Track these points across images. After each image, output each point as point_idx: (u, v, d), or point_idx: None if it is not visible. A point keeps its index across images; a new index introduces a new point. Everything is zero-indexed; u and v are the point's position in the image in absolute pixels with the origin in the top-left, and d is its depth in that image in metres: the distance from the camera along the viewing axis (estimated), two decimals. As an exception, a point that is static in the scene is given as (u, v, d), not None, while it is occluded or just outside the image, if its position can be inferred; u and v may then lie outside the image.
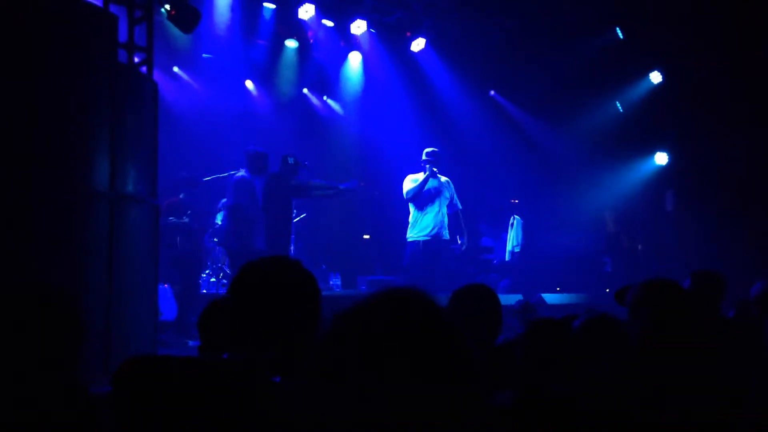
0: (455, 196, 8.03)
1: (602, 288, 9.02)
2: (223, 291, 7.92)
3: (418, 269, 7.71)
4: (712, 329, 2.15)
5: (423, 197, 7.75)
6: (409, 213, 7.91)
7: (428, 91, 10.81)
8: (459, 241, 8.22)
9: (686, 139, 9.90)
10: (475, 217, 10.16)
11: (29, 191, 4.11)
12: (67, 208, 4.32)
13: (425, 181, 7.69)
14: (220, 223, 8.71)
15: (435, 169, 7.70)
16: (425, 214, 7.76)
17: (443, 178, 7.90)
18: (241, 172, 7.53)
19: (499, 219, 10.18)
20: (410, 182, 7.79)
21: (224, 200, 8.67)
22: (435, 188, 7.78)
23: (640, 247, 10.41)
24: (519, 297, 7.85)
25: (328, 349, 0.96)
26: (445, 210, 7.85)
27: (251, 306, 1.71)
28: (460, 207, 8.06)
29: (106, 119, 4.60)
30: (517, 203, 10.07)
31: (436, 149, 7.89)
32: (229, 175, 7.94)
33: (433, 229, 7.73)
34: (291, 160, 7.56)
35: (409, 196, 7.77)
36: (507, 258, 9.82)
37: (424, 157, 7.83)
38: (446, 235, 7.85)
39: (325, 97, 11.34)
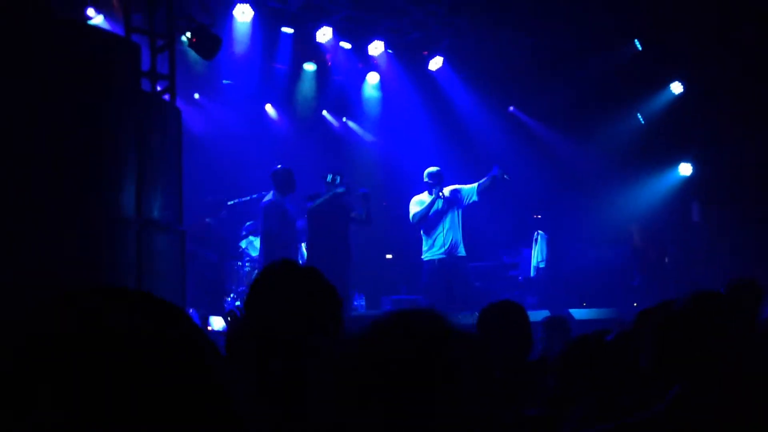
0: (464, 190, 7.80)
1: (630, 302, 8.89)
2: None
3: (437, 288, 7.64)
4: (752, 339, 2.09)
5: (430, 220, 7.69)
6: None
7: (447, 109, 10.81)
8: (495, 170, 7.73)
9: (710, 148, 9.79)
10: (495, 233, 10.10)
11: (59, 218, 4.17)
12: (96, 234, 4.37)
13: (431, 205, 7.60)
14: (245, 247, 8.74)
15: (441, 193, 7.62)
16: (436, 233, 7.70)
17: (447, 191, 7.77)
18: (269, 195, 7.51)
19: (521, 235, 10.11)
20: (416, 205, 7.71)
21: (248, 224, 8.72)
22: (443, 208, 7.70)
23: (667, 259, 10.27)
24: (546, 313, 7.77)
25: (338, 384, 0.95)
26: (458, 225, 7.74)
27: (262, 312, 1.68)
28: (474, 188, 7.78)
29: (131, 146, 4.66)
30: (540, 218, 10.00)
31: (437, 168, 7.79)
32: (257, 197, 7.93)
33: (447, 246, 7.66)
34: (329, 178, 7.46)
35: (415, 220, 7.68)
36: (532, 274, 9.73)
37: (426, 179, 7.73)
38: (462, 251, 7.76)
39: (344, 119, 11.40)
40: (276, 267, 1.74)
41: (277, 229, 7.20)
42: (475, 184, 7.86)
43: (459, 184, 8.00)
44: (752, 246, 8.83)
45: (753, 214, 9.02)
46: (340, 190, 7.41)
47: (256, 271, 8.14)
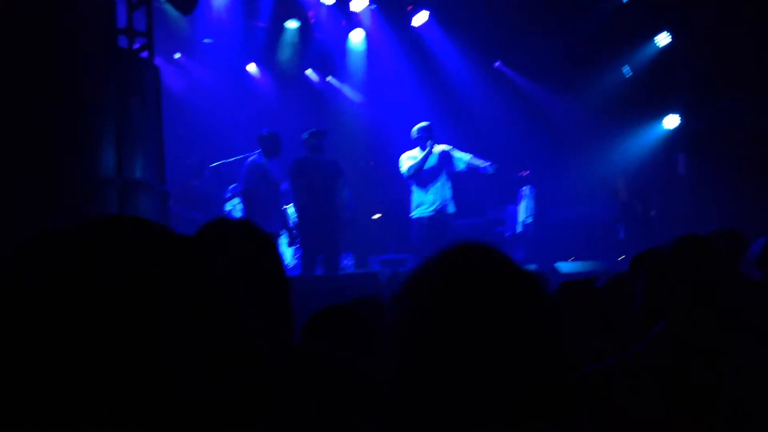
0: (455, 156, 7.76)
1: (616, 255, 8.95)
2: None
3: (427, 246, 7.62)
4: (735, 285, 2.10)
5: (423, 175, 7.63)
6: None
7: (433, 65, 10.69)
8: (487, 163, 7.75)
9: (697, 100, 9.76)
10: (481, 190, 10.08)
11: (38, 180, 4.09)
12: (76, 195, 4.30)
13: (425, 159, 7.53)
14: (229, 209, 8.68)
15: (432, 145, 7.56)
16: (426, 190, 7.65)
17: (439, 149, 7.71)
18: (254, 156, 7.49)
19: (507, 191, 10.10)
20: (408, 160, 7.64)
21: (233, 186, 8.65)
22: (435, 164, 7.65)
23: (653, 212, 10.31)
24: (534, 267, 7.81)
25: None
26: (448, 183, 7.71)
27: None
28: (466, 159, 7.77)
29: (109, 104, 4.57)
30: (527, 174, 9.98)
31: (427, 123, 7.71)
32: (242, 158, 7.88)
33: (437, 204, 7.63)
34: (306, 134, 7.43)
35: (410, 173, 7.61)
36: (519, 229, 9.75)
37: (416, 134, 7.66)
38: (452, 209, 7.73)
39: (328, 77, 11.25)
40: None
41: (255, 188, 7.17)
42: (469, 156, 7.78)
43: (449, 145, 7.93)
44: (738, 198, 8.88)
45: (739, 165, 9.04)
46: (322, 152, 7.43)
47: None
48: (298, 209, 7.45)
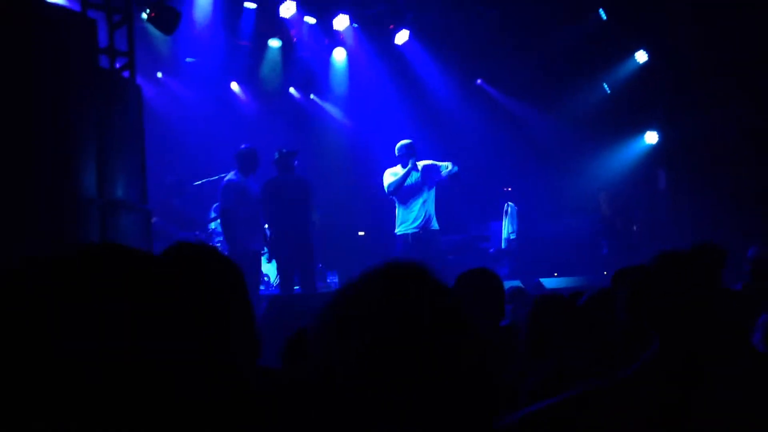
0: (440, 166, 7.80)
1: (600, 270, 9.00)
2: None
3: None
4: (720, 300, 2.12)
5: (405, 191, 7.66)
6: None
7: (415, 83, 10.76)
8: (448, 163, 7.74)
9: (675, 117, 9.90)
10: (465, 206, 10.12)
11: (19, 200, 4.05)
12: (56, 216, 4.25)
13: (406, 175, 7.58)
14: (214, 227, 8.64)
15: (415, 165, 7.61)
16: (409, 207, 7.68)
17: (421, 165, 7.76)
18: (231, 175, 7.43)
19: (491, 207, 10.15)
20: (390, 176, 7.68)
21: (216, 205, 8.61)
22: (417, 181, 7.69)
23: (635, 227, 10.40)
24: (518, 282, 7.83)
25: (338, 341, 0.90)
26: (431, 200, 7.74)
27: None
28: (447, 165, 7.79)
29: (90, 124, 4.53)
30: (510, 191, 10.04)
31: (409, 141, 7.77)
32: (219, 178, 7.86)
33: (420, 220, 7.65)
34: (276, 155, 7.53)
35: (390, 190, 7.66)
36: (503, 246, 9.79)
37: (398, 152, 7.71)
38: (435, 225, 7.76)
39: (311, 95, 11.27)
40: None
41: (233, 208, 7.12)
42: (448, 165, 7.80)
43: (431, 160, 7.97)
44: (718, 212, 8.98)
45: (718, 180, 9.16)
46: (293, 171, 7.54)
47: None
48: (270, 229, 7.50)
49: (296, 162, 7.64)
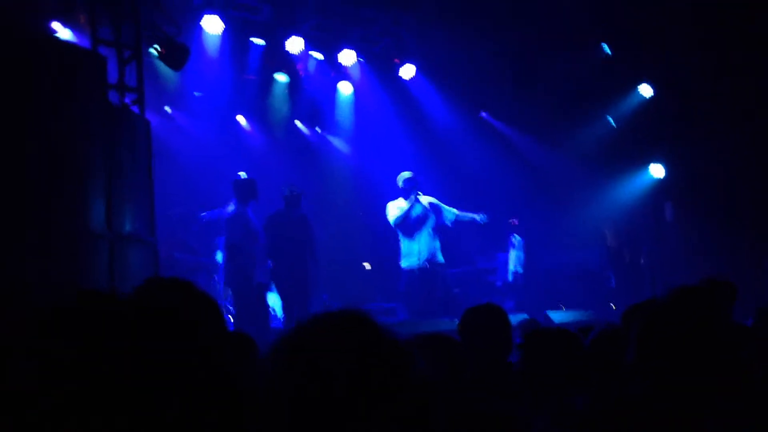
0: (444, 209, 7.88)
1: (607, 303, 8.95)
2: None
3: (417, 296, 7.62)
4: (731, 337, 2.10)
5: (410, 224, 7.68)
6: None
7: (420, 116, 10.83)
8: (479, 216, 7.86)
9: (680, 149, 9.92)
10: (471, 239, 10.11)
11: (28, 235, 4.07)
12: (65, 251, 4.27)
13: (410, 208, 7.62)
14: (220, 260, 8.66)
15: (419, 194, 7.65)
16: (414, 240, 7.69)
17: (426, 201, 7.80)
18: (231, 207, 7.47)
19: (496, 240, 10.14)
20: (395, 209, 7.72)
21: (221, 237, 8.63)
22: (421, 214, 7.71)
23: (642, 260, 10.36)
24: (524, 316, 7.78)
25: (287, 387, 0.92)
26: (436, 233, 7.75)
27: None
28: (455, 213, 7.88)
29: (100, 159, 4.58)
30: (516, 223, 10.04)
31: (411, 173, 7.82)
32: (220, 210, 7.89)
33: (426, 254, 7.65)
34: (288, 191, 7.58)
35: (397, 222, 7.69)
36: (510, 279, 9.76)
37: (401, 184, 7.75)
38: (440, 258, 7.76)
39: (317, 129, 11.36)
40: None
41: (240, 241, 7.15)
42: (456, 212, 7.88)
43: (436, 198, 8.03)
44: (725, 244, 8.94)
45: (725, 211, 9.14)
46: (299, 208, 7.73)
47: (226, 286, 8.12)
48: (272, 262, 7.54)
49: (303, 201, 7.78)
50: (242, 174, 7.67)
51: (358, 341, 0.94)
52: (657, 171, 10.27)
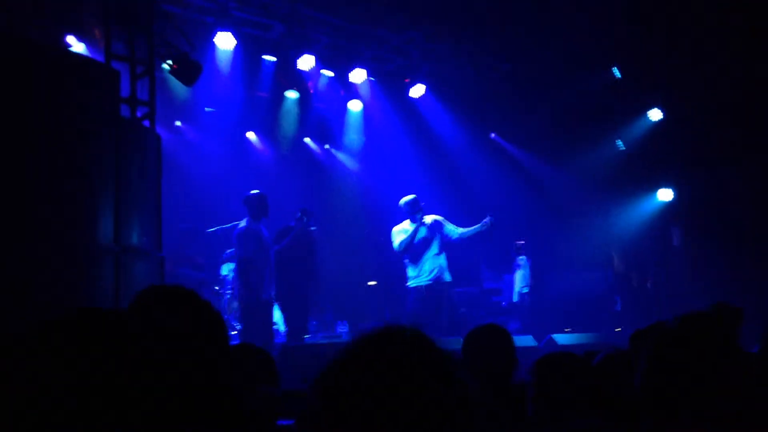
0: (447, 225, 7.85)
1: (613, 327, 8.89)
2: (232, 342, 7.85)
3: (423, 314, 7.58)
4: (737, 363, 2.09)
5: (415, 248, 7.65)
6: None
7: (429, 136, 10.87)
8: (484, 223, 7.74)
9: (689, 174, 9.91)
10: (478, 259, 10.09)
11: (36, 246, 4.09)
12: (73, 262, 4.29)
13: (415, 232, 7.57)
14: (225, 274, 8.67)
15: (423, 220, 7.62)
16: (418, 259, 7.67)
17: (430, 220, 7.77)
18: (243, 222, 7.48)
19: (503, 261, 10.12)
20: (400, 234, 7.67)
21: (229, 251, 8.64)
22: (426, 236, 7.68)
23: (649, 284, 10.31)
24: (529, 338, 7.75)
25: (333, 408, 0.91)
26: (442, 253, 7.72)
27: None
28: (459, 231, 7.86)
29: (110, 172, 4.61)
30: (523, 244, 10.02)
31: (413, 196, 7.77)
32: (232, 226, 7.91)
33: (433, 273, 7.63)
34: (300, 214, 7.80)
35: (401, 248, 7.65)
36: (515, 299, 9.72)
37: (404, 208, 7.71)
38: (448, 277, 7.72)
39: (327, 146, 11.41)
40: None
41: (252, 255, 7.18)
42: (459, 229, 7.84)
43: (443, 217, 7.99)
44: (732, 269, 8.90)
45: (732, 237, 9.10)
46: (310, 227, 7.90)
47: (235, 301, 8.12)
48: (278, 277, 7.59)
49: (312, 220, 7.98)
50: (253, 191, 7.72)
51: (421, 359, 0.95)
52: (665, 195, 10.26)
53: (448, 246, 7.83)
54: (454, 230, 7.81)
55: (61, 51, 5.27)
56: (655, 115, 10.12)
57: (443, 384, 0.93)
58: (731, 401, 1.87)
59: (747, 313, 4.40)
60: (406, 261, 7.77)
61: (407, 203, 7.67)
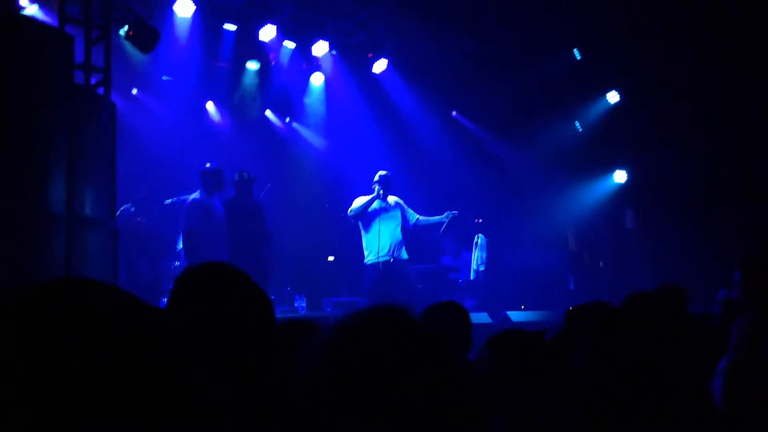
0: (408, 211, 7.99)
1: (566, 305, 9.05)
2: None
3: (380, 291, 7.66)
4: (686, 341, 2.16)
5: (367, 218, 7.76)
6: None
7: (391, 112, 10.84)
8: (448, 215, 7.99)
9: (644, 157, 10.11)
10: (436, 237, 10.16)
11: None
12: (23, 231, 4.18)
13: (369, 202, 7.72)
14: (181, 247, 8.57)
15: (381, 192, 7.71)
16: (373, 234, 7.75)
17: (392, 200, 7.89)
18: (195, 194, 7.41)
19: (461, 238, 10.21)
20: (357, 201, 7.82)
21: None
22: (380, 209, 7.78)
23: (601, 263, 10.54)
24: (485, 315, 7.87)
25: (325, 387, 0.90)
26: (399, 231, 7.83)
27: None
28: (417, 217, 8.00)
29: (62, 139, 4.48)
30: (481, 222, 10.11)
31: (385, 172, 7.91)
32: (186, 197, 7.82)
33: (389, 249, 7.72)
34: (237, 176, 7.63)
35: (351, 214, 7.83)
36: (472, 277, 9.83)
37: (375, 179, 7.85)
38: (405, 254, 7.84)
39: (287, 119, 11.29)
40: (197, 270, 1.59)
41: (198, 229, 7.09)
42: (417, 216, 7.99)
43: (403, 200, 8.09)
44: (682, 251, 9.14)
45: (682, 220, 9.34)
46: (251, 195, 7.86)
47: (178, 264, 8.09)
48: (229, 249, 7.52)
49: (255, 188, 7.88)
50: (209, 164, 7.62)
51: (401, 333, 0.95)
52: (620, 177, 10.45)
53: (405, 229, 7.94)
54: (412, 215, 7.95)
55: (12, 12, 5.07)
56: (613, 97, 10.26)
57: (449, 372, 0.94)
58: (678, 379, 1.93)
59: (697, 294, 4.55)
60: (362, 236, 7.82)
61: (380, 177, 7.78)
